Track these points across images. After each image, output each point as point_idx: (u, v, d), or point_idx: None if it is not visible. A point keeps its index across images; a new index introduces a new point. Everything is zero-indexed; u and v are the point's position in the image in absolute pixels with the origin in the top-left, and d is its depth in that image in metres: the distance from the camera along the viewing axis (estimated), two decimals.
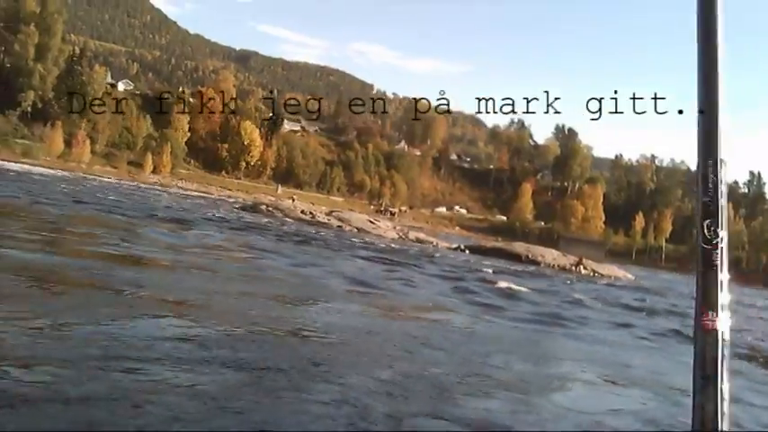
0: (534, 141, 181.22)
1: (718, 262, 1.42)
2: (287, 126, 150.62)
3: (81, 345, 5.29)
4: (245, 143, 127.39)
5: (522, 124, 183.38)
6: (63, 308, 6.67)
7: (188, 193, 78.97)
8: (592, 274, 44.34)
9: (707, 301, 1.41)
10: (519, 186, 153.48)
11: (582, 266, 45.68)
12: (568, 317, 14.25)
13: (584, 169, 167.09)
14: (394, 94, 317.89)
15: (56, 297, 7.51)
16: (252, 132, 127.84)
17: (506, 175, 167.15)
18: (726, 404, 1.36)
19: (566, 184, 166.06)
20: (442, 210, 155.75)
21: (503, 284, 20.62)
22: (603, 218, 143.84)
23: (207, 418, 4.17)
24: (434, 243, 48.28)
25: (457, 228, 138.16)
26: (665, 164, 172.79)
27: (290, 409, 4.61)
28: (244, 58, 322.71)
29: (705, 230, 1.43)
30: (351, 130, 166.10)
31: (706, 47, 1.47)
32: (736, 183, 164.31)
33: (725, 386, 1.37)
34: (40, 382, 4.25)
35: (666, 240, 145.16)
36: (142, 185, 77.10)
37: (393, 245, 37.63)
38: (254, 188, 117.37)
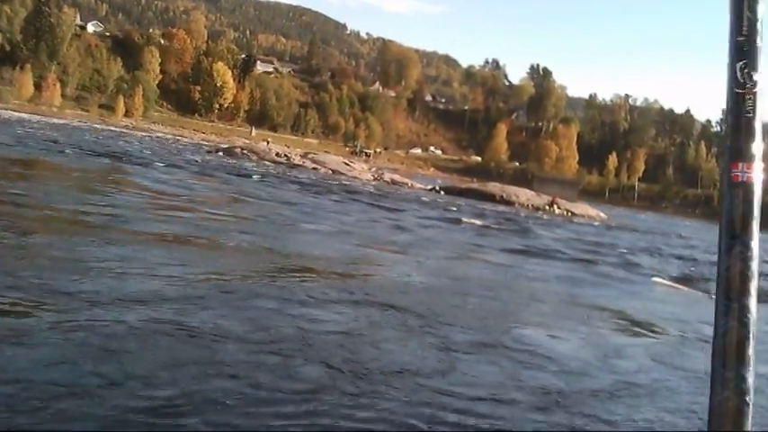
0: (509, 81, 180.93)
1: (752, 108, 1.30)
2: (260, 67, 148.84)
3: None
4: (218, 85, 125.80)
5: (496, 64, 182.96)
6: None
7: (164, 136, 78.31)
8: (565, 213, 45.03)
9: (737, 151, 1.30)
10: (494, 127, 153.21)
11: (556, 206, 46.33)
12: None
13: (558, 109, 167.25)
14: (368, 34, 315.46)
15: None
16: (224, 74, 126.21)
17: (481, 116, 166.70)
18: (755, 266, 1.26)
19: (540, 124, 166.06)
20: (417, 151, 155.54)
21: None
22: (577, 157, 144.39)
23: None
24: (410, 184, 48.63)
25: (432, 169, 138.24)
26: (638, 103, 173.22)
27: None
28: None
29: (738, 73, 1.30)
30: (325, 71, 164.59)
31: None
32: (708, 121, 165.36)
33: (754, 245, 1.27)
34: None
35: (639, 179, 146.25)
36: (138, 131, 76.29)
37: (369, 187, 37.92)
38: (228, 131, 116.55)
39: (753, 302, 1.26)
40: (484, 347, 6.25)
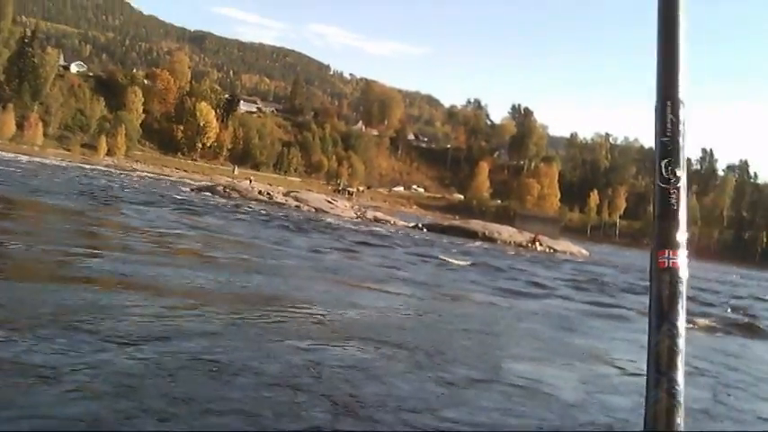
0: (491, 121, 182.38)
1: (676, 201, 1.40)
2: (243, 107, 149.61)
3: None
4: (201, 124, 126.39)
5: (478, 104, 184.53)
6: None
7: (145, 174, 78.18)
8: (548, 249, 45.26)
9: (664, 239, 1.40)
10: (476, 165, 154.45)
11: (538, 243, 46.58)
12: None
13: (539, 148, 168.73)
14: (351, 75, 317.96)
15: None
16: (207, 113, 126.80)
17: (463, 155, 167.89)
18: (682, 342, 1.36)
19: (522, 162, 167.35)
20: (400, 189, 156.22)
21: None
22: (559, 195, 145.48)
23: None
24: (392, 221, 48.75)
25: (415, 206, 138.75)
26: (619, 141, 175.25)
27: None
28: (199, 39, 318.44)
29: (663, 170, 1.41)
30: (308, 110, 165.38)
31: None
32: (689, 160, 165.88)
33: (681, 324, 1.37)
34: None
35: (620, 217, 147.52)
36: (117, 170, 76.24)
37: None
38: (211, 169, 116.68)
39: (680, 375, 1.36)
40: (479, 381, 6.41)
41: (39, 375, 4.53)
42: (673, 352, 1.37)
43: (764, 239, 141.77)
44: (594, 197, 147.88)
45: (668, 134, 1.43)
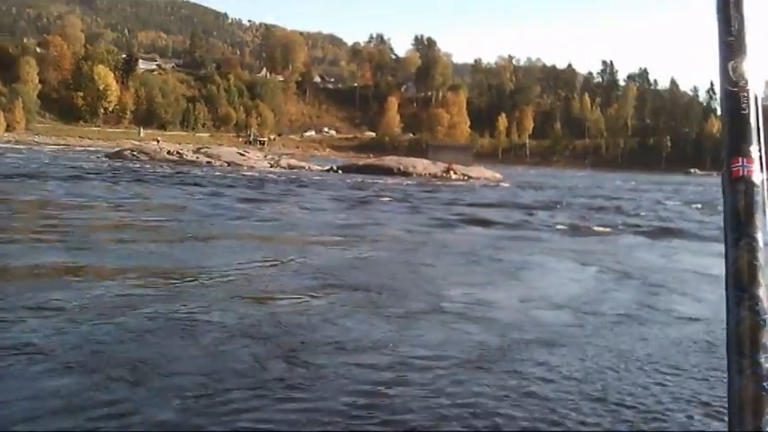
0: (395, 55, 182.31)
1: (746, 105, 1.30)
2: (142, 66, 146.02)
3: None
4: (101, 89, 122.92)
5: (381, 39, 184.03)
6: None
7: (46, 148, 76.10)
8: (462, 177, 46.37)
9: (736, 147, 1.30)
10: (384, 101, 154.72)
11: (452, 171, 47.64)
12: None
13: (445, 77, 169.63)
14: (250, 21, 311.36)
15: None
16: (106, 77, 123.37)
17: (371, 92, 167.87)
18: (761, 256, 1.26)
19: (429, 93, 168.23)
20: (312, 133, 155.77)
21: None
22: (468, 122, 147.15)
23: None
24: (307, 167, 49.10)
25: (328, 149, 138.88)
26: (522, 63, 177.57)
27: None
28: (89, 0, 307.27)
29: (731, 72, 1.30)
30: (209, 63, 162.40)
31: None
32: (590, 73, 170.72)
33: (760, 237, 1.28)
34: None
35: (529, 137, 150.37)
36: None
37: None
38: (116, 134, 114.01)
39: (763, 291, 1.26)
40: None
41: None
42: (753, 267, 1.27)
43: (668, 145, 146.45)
44: (503, 120, 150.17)
45: (733, 33, 1.32)
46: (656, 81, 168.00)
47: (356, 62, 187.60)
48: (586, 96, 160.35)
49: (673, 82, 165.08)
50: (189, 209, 16.78)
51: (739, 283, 1.26)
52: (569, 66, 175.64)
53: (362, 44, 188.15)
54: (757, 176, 1.29)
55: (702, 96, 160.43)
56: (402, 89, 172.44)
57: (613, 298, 8.00)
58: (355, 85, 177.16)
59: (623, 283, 9.04)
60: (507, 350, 5.62)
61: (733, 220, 1.29)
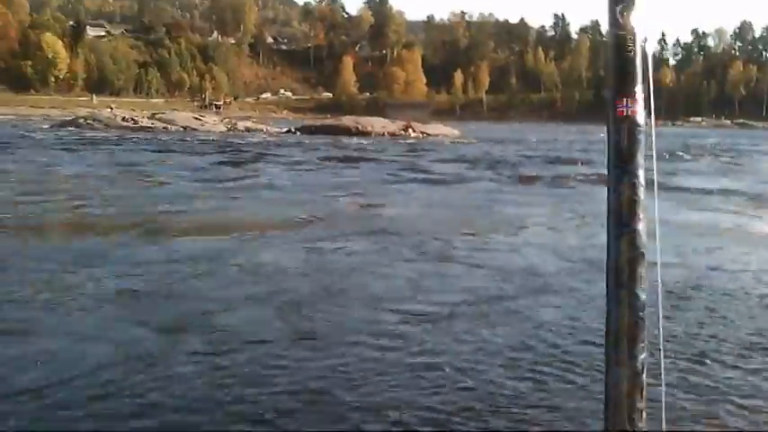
0: (347, 13, 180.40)
1: (632, 48, 1.36)
2: (91, 32, 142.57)
3: None
4: (50, 57, 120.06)
5: None
6: None
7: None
8: (421, 135, 46.39)
9: (620, 87, 1.36)
10: (339, 61, 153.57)
11: (411, 129, 47.65)
12: None
13: (399, 35, 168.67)
14: None
15: None
16: (54, 44, 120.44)
17: (325, 52, 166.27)
18: (642, 192, 1.34)
19: (384, 51, 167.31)
20: (268, 95, 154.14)
21: None
22: (425, 80, 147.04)
23: None
24: (264, 129, 48.75)
25: (285, 111, 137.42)
26: (475, 18, 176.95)
27: None
28: None
29: (618, 15, 1.35)
30: (159, 27, 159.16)
31: None
32: (543, 27, 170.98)
33: (641, 174, 1.35)
34: None
35: (486, 92, 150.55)
36: None
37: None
38: (68, 102, 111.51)
39: (642, 225, 1.35)
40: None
41: None
42: (634, 203, 1.35)
43: None
44: (459, 76, 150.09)
45: None
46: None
47: (309, 22, 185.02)
48: (540, 50, 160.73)
49: None
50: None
51: (620, 218, 1.35)
52: (522, 20, 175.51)
53: (314, 3, 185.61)
54: (641, 116, 1.37)
55: (655, 47, 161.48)
56: (356, 48, 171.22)
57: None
58: (309, 45, 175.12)
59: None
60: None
61: (616, 157, 1.36)
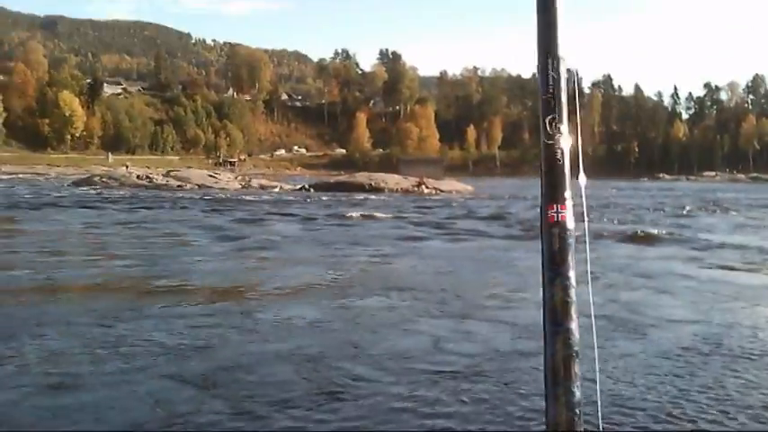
0: (361, 70, 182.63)
1: (561, 156, 1.45)
2: (108, 90, 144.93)
3: None
4: (67, 115, 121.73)
5: (346, 54, 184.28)
6: None
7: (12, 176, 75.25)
8: (434, 191, 46.38)
9: (551, 195, 1.45)
10: (353, 117, 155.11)
11: (424, 186, 47.67)
12: None
13: (412, 91, 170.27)
14: (214, 41, 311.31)
15: None
16: (72, 102, 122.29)
17: (339, 108, 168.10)
18: (574, 293, 1.42)
19: (397, 107, 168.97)
20: (282, 152, 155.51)
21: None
22: (438, 135, 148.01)
23: None
24: (279, 187, 48.91)
25: (299, 168, 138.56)
26: (487, 73, 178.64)
27: None
28: (50, 25, 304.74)
29: (547, 126, 1.46)
30: (175, 84, 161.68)
31: None
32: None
33: (572, 275, 1.43)
34: None
35: (499, 148, 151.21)
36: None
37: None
38: (85, 160, 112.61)
39: (575, 325, 1.44)
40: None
41: None
42: (567, 304, 1.43)
43: (636, 150, 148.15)
44: (471, 132, 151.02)
45: (550, 91, 1.48)
46: (620, 87, 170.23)
47: (323, 78, 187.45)
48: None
49: (637, 87, 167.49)
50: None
51: (555, 318, 1.44)
52: (534, 75, 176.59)
53: (328, 60, 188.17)
54: (570, 221, 1.46)
55: (667, 101, 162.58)
56: (370, 104, 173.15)
57: None
58: (323, 101, 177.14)
59: None
60: None
61: (549, 260, 1.44)
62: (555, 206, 1.45)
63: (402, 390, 5.03)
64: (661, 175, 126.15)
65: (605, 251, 14.04)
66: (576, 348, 1.43)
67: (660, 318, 7.66)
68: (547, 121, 1.46)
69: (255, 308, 7.94)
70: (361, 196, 39.88)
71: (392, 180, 49.94)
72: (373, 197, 39.86)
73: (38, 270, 10.49)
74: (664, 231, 18.95)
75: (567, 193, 1.47)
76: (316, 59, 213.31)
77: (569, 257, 1.45)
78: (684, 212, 28.26)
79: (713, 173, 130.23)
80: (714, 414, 4.58)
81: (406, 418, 4.54)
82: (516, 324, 7.20)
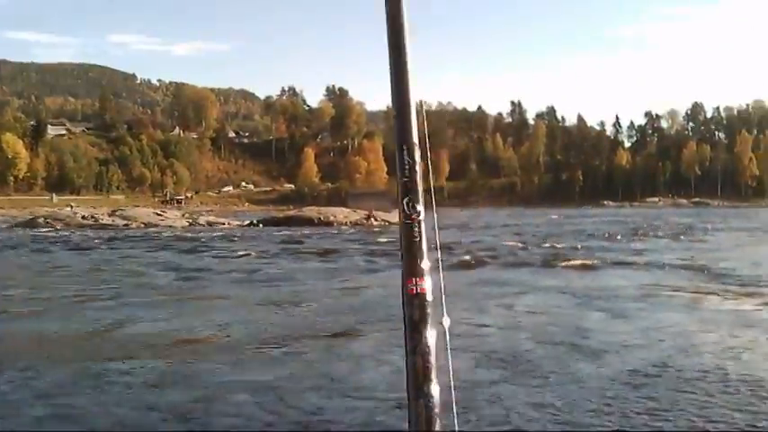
0: (308, 106, 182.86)
1: (418, 233, 1.56)
2: (51, 131, 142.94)
3: None
4: (9, 156, 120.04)
5: (293, 91, 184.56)
6: None
7: None
8: (383, 223, 46.60)
9: (411, 269, 1.55)
10: (301, 152, 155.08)
11: (373, 218, 47.94)
12: None
13: (360, 125, 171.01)
14: (159, 80, 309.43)
15: None
16: (14, 144, 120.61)
17: (287, 144, 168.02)
18: (433, 359, 1.53)
19: (345, 142, 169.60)
20: (230, 189, 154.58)
21: None
22: (386, 168, 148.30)
23: None
24: (226, 223, 48.70)
25: (247, 204, 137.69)
26: (433, 107, 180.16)
27: None
28: None
29: (405, 207, 1.57)
30: (120, 124, 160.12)
31: (395, 54, 1.65)
32: (500, 114, 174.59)
33: (432, 342, 1.53)
34: None
35: (447, 179, 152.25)
36: None
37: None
38: (29, 202, 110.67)
39: (435, 388, 1.54)
40: None
41: None
42: (427, 369, 1.53)
43: (580, 178, 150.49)
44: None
45: (407, 175, 1.59)
46: (563, 118, 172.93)
47: (270, 115, 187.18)
48: (498, 137, 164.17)
49: (579, 118, 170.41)
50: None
51: (417, 382, 1.55)
52: (479, 108, 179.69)
53: (275, 97, 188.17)
54: (429, 293, 1.56)
55: (609, 130, 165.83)
56: (318, 139, 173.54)
57: None
58: (271, 137, 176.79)
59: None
60: None
61: (410, 329, 1.56)
62: (414, 280, 1.54)
63: None
64: (606, 202, 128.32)
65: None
66: (436, 410, 1.52)
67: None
68: (404, 203, 1.58)
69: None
70: (310, 230, 39.93)
71: (341, 213, 50.09)
72: (323, 230, 39.95)
73: None
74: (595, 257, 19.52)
75: (426, 267, 1.56)
76: (263, 97, 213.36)
77: (428, 325, 1.54)
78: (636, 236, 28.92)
79: (656, 198, 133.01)
80: None
81: None
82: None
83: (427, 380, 1.53)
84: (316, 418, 5.68)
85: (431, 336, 1.55)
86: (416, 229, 1.56)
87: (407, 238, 1.57)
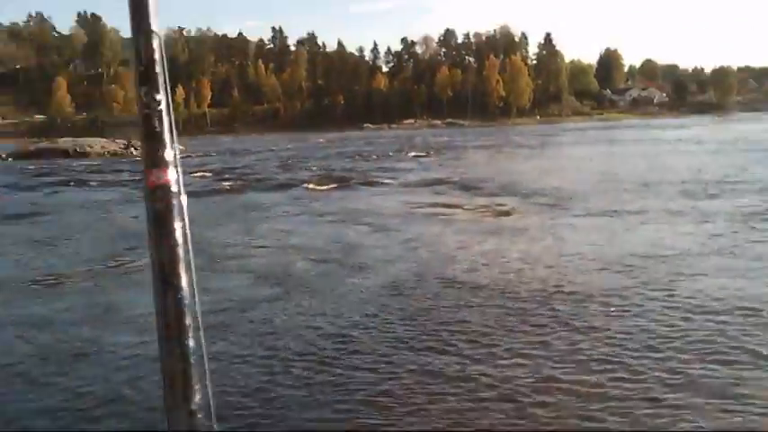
0: (58, 33, 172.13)
1: (159, 123, 1.52)
2: None
3: None
4: None
5: (41, 17, 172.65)
6: None
7: None
8: None
9: (152, 160, 1.50)
10: (52, 81, 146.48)
11: (132, 148, 47.69)
12: None
13: (116, 53, 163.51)
14: None
15: None
16: None
17: (36, 73, 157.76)
18: (182, 251, 1.49)
19: (100, 70, 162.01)
20: None
21: None
22: None
23: None
24: None
25: None
26: (193, 33, 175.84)
27: None
28: None
29: (143, 96, 1.51)
30: None
31: None
32: (262, 40, 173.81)
33: (179, 235, 1.50)
34: None
35: (209, 106, 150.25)
36: None
37: None
38: None
39: (185, 282, 1.52)
40: None
41: None
42: (174, 262, 1.50)
43: (342, 102, 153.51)
44: (180, 91, 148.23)
45: (143, 63, 1.54)
46: (324, 44, 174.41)
47: (16, 43, 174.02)
48: (260, 63, 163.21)
49: (340, 44, 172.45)
50: None
51: (163, 276, 1.50)
52: (240, 34, 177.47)
53: (21, 24, 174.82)
54: (174, 184, 1.51)
55: (368, 55, 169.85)
56: (70, 67, 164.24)
57: None
58: (17, 66, 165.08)
59: None
60: None
61: (155, 223, 1.50)
62: (154, 171, 1.49)
63: None
64: (366, 125, 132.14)
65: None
66: (185, 302, 1.49)
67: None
68: (142, 93, 1.52)
69: None
70: (65, 162, 39.08)
71: (98, 144, 49.23)
72: (79, 162, 39.31)
73: None
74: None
75: (169, 157, 1.51)
76: (7, 24, 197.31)
77: (175, 218, 1.50)
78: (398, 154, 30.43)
79: (413, 120, 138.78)
80: None
81: None
82: None
83: (175, 273, 1.49)
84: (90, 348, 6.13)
85: (179, 230, 1.50)
86: (157, 118, 1.51)
87: (147, 129, 1.51)
